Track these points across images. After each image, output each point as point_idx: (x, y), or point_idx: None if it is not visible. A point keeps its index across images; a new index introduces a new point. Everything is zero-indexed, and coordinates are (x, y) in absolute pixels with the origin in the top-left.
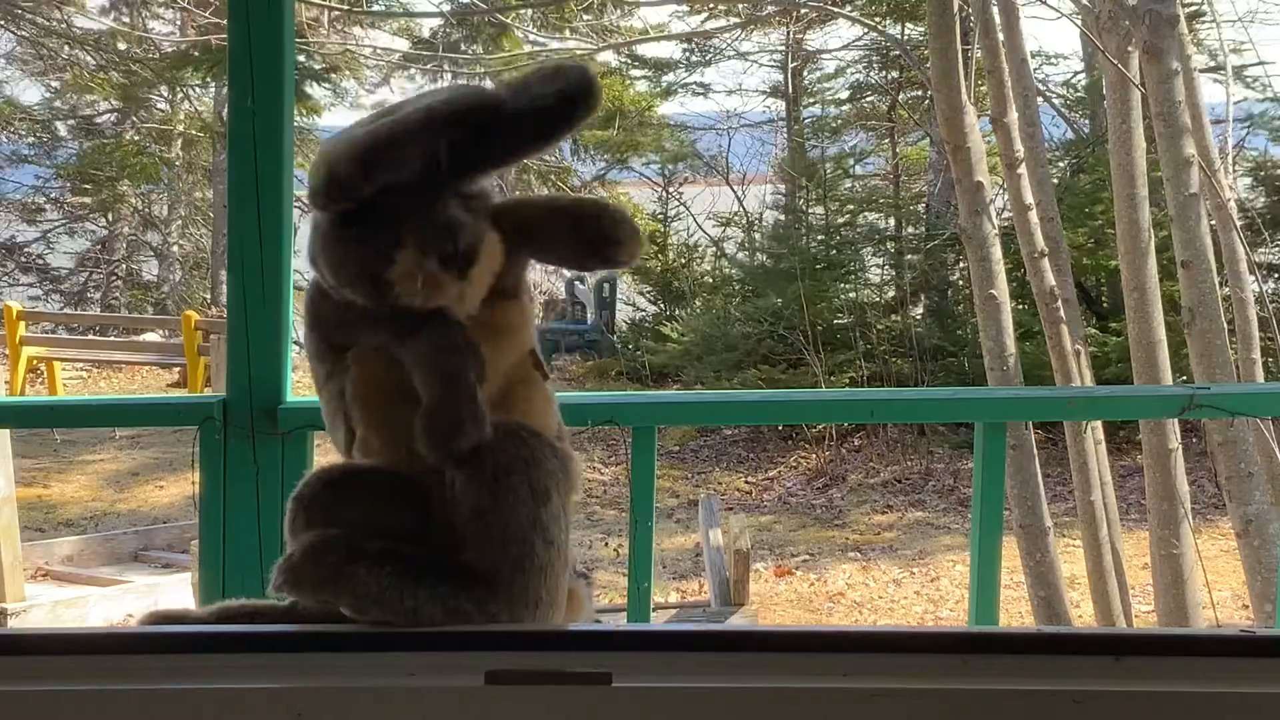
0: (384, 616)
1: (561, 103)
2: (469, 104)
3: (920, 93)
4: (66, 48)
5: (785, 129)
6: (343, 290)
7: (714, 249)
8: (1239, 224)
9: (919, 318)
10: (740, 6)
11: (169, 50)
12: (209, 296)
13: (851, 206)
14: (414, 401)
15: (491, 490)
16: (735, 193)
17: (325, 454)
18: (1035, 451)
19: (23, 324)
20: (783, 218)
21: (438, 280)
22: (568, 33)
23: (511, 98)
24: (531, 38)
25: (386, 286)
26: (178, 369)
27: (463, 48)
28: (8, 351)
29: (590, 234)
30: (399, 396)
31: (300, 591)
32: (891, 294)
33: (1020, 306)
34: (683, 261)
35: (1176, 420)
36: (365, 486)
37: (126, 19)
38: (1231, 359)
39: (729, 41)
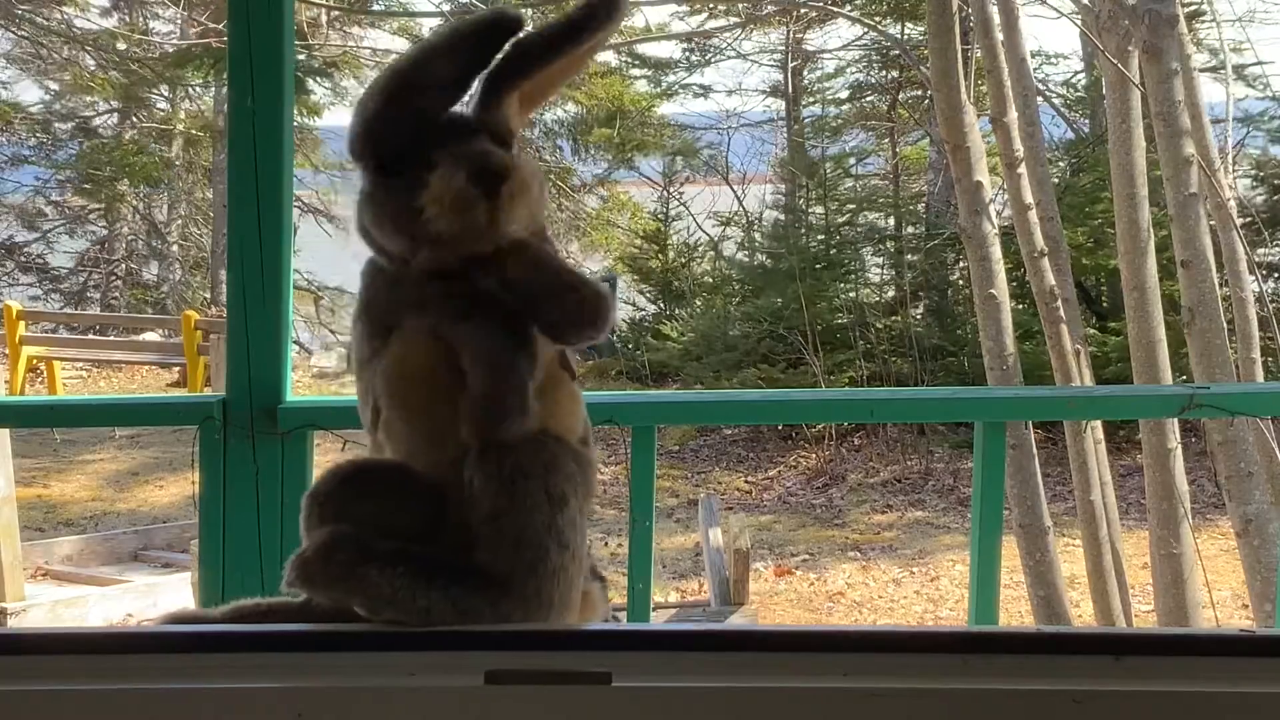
0: (397, 616)
1: (585, 10)
2: (491, 19)
3: (920, 92)
4: (66, 48)
5: (785, 129)
6: (387, 243)
7: (714, 249)
8: (1239, 224)
9: (919, 317)
10: (740, 6)
11: (170, 49)
12: (209, 296)
13: (851, 206)
14: (445, 388)
15: (509, 493)
16: (735, 192)
17: (325, 454)
18: (1035, 451)
19: (23, 324)
20: (782, 217)
21: (466, 198)
22: None
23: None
24: None
25: (420, 220)
26: (177, 369)
27: None
28: (8, 351)
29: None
30: (432, 382)
31: (312, 589)
32: (891, 294)
33: (1020, 306)
34: (683, 261)
35: (1176, 420)
36: (380, 484)
37: (126, 19)
38: (1231, 359)
39: (729, 41)
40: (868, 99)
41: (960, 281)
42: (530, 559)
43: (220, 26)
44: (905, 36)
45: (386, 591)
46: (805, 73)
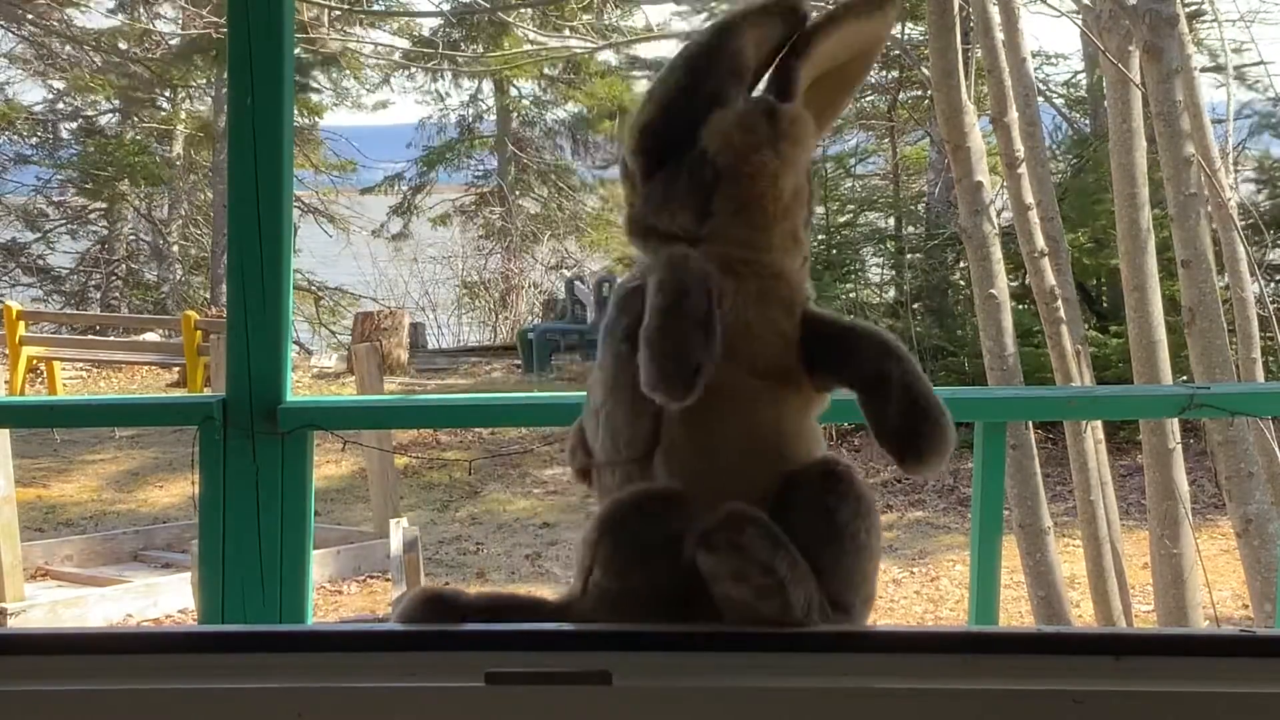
0: (778, 611)
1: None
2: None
3: (920, 92)
4: (68, 48)
5: None
6: (673, 222)
7: None
8: (1240, 224)
9: (919, 318)
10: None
11: (173, 45)
12: (209, 296)
13: (852, 206)
14: (736, 412)
15: (860, 530)
16: None
17: (324, 454)
18: (1035, 451)
19: (23, 324)
20: None
21: (749, 122)
22: (568, 32)
23: None
24: (532, 37)
25: (705, 178)
26: (177, 369)
27: (463, 47)
28: (8, 351)
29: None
30: (721, 402)
31: (715, 554)
32: (892, 294)
33: (1020, 306)
34: None
35: (1176, 420)
36: (674, 514)
37: (127, 19)
38: (1231, 359)
39: None
40: (868, 99)
41: (960, 281)
42: (866, 595)
43: (221, 22)
44: (905, 36)
45: (776, 580)
46: None
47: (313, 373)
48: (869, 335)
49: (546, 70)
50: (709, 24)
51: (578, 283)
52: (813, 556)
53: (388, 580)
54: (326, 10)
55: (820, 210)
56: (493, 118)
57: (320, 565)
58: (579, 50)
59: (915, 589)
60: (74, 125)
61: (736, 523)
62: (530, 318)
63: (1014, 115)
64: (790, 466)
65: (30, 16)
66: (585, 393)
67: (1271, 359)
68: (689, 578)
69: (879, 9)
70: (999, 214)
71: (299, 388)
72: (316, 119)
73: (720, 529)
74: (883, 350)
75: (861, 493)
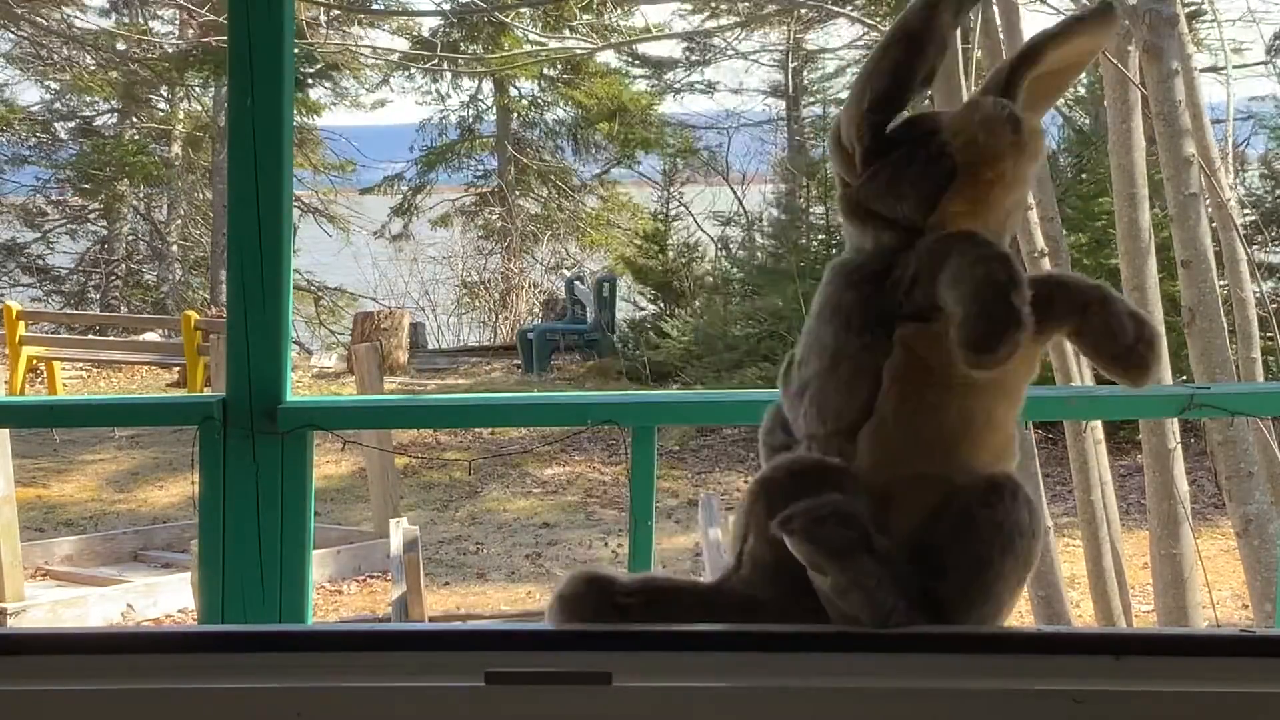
0: (858, 609)
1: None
2: None
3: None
4: (66, 48)
5: (785, 128)
6: (898, 209)
7: (724, 250)
8: (1240, 224)
9: None
10: (741, 6)
11: (170, 50)
12: (209, 296)
13: None
14: (951, 394)
15: (1002, 546)
16: (735, 192)
17: (324, 454)
18: (1035, 451)
19: (22, 324)
20: (783, 217)
21: (994, 116)
22: (567, 31)
23: None
24: (531, 36)
25: (936, 168)
26: (177, 369)
27: (462, 47)
28: (8, 351)
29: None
30: (940, 383)
31: (813, 545)
32: None
33: None
34: (683, 261)
35: (1176, 420)
36: (831, 486)
37: (126, 19)
38: (1231, 359)
39: (729, 41)
40: None
41: None
42: (988, 613)
43: (221, 20)
44: None
45: (867, 581)
46: (805, 73)
47: (313, 373)
48: (1068, 274)
49: (546, 70)
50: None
51: (578, 283)
52: (938, 557)
53: (388, 580)
54: (326, 10)
55: (820, 210)
56: (492, 118)
57: (320, 565)
58: (579, 51)
59: None
60: (72, 125)
61: (818, 513)
62: (530, 318)
63: None
64: (976, 467)
65: (29, 17)
66: (782, 375)
67: (1271, 359)
68: None
69: (1108, 23)
70: None
71: (299, 388)
72: (315, 118)
73: (800, 515)
74: (1086, 281)
75: (1013, 516)
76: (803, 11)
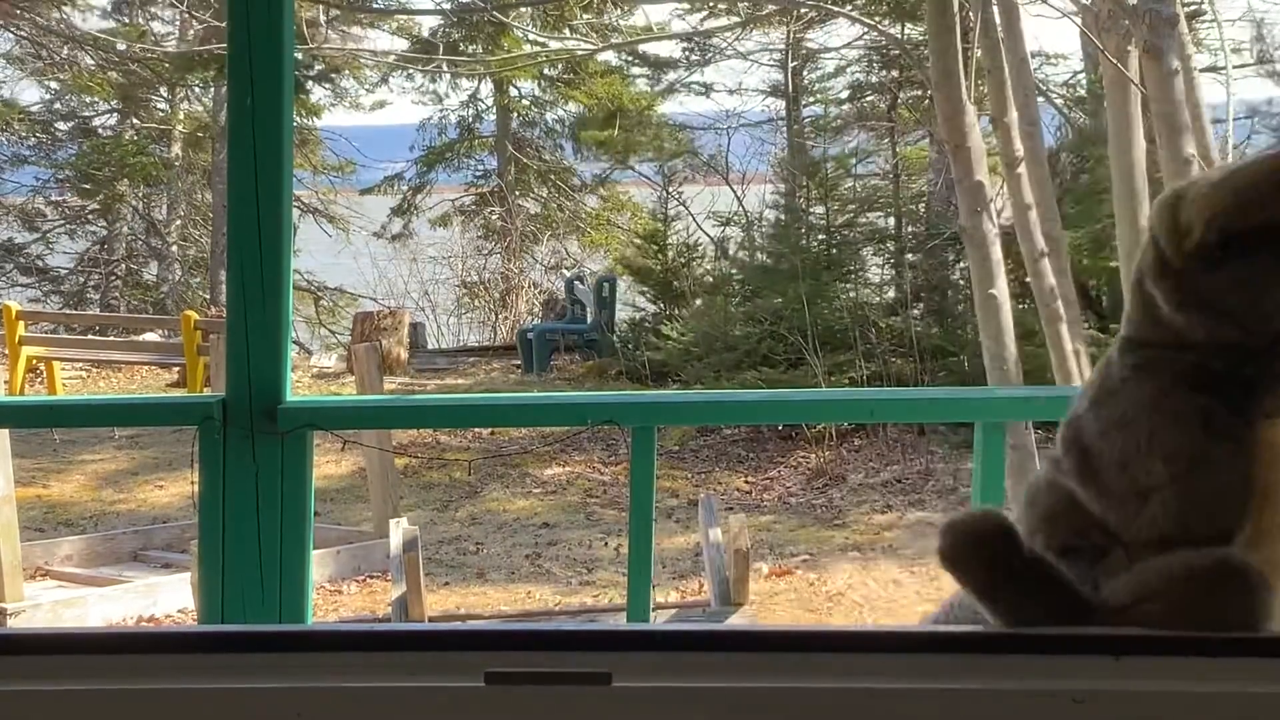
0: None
1: None
2: None
3: (920, 92)
4: (66, 48)
5: (785, 128)
6: (1273, 316)
7: (723, 251)
8: None
9: (919, 318)
10: (740, 6)
11: (170, 52)
12: (209, 296)
13: (852, 206)
14: None
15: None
16: (735, 192)
17: (324, 454)
18: (1035, 451)
19: (22, 324)
20: (783, 217)
21: None
22: (567, 31)
23: None
24: (531, 37)
25: None
26: (177, 369)
27: (462, 47)
28: (7, 351)
29: None
30: None
31: (940, 556)
32: (892, 294)
33: (1020, 306)
34: (683, 261)
35: None
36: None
37: (126, 19)
38: None
39: (729, 41)
40: (868, 99)
41: (960, 281)
42: None
43: (221, 24)
44: (905, 36)
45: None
46: (805, 73)
47: (312, 373)
48: None
49: (546, 70)
50: None
51: (578, 283)
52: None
53: (387, 580)
54: (325, 10)
55: (820, 210)
56: (492, 118)
57: (320, 565)
58: (579, 51)
59: (916, 589)
60: (71, 125)
61: (967, 561)
62: (530, 318)
63: (1014, 115)
64: None
65: (28, 16)
66: (1075, 469)
67: None
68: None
69: None
70: (999, 214)
71: (299, 388)
72: (315, 119)
73: (952, 556)
74: None
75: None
76: (802, 11)
